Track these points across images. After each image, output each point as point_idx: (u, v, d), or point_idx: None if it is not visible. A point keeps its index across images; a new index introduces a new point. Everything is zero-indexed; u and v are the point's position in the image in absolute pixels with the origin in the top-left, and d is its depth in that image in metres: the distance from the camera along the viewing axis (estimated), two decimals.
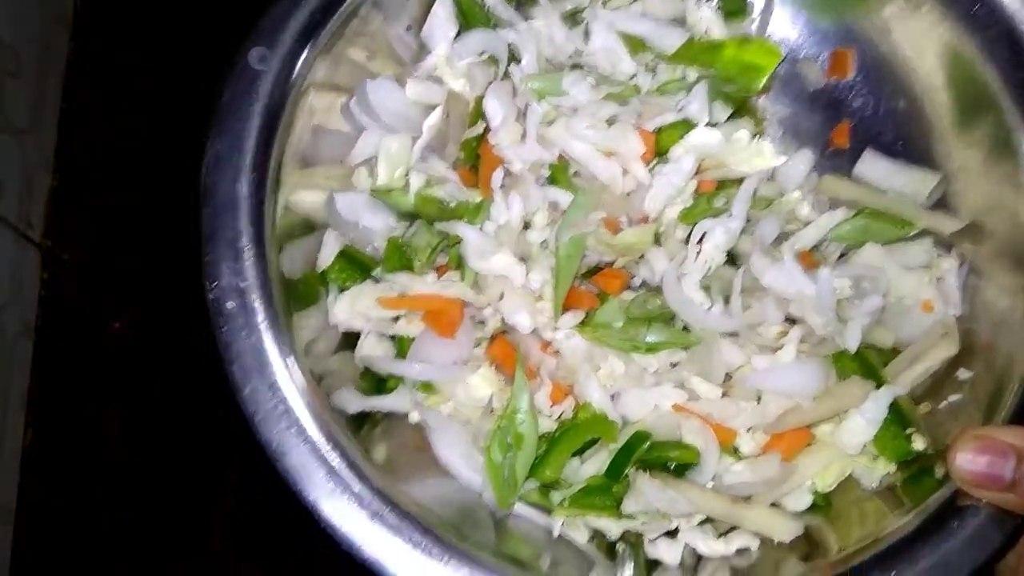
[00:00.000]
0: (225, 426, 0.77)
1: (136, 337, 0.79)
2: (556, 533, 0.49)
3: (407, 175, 0.55)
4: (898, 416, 0.51)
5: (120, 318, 0.80)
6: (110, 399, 0.78)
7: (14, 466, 0.75)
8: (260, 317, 0.44)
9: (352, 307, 0.52)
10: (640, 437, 0.50)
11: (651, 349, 0.51)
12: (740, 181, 0.55)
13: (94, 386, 0.78)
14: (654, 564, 0.50)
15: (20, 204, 0.78)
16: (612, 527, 0.51)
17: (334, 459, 0.42)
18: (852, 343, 0.52)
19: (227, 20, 0.88)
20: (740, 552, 0.50)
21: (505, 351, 0.52)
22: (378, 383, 0.52)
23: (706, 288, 0.52)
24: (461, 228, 0.52)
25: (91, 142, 0.85)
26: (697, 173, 0.55)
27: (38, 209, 0.81)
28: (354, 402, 0.49)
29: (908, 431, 0.51)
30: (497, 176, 0.54)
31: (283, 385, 0.43)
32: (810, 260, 0.56)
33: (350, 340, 0.53)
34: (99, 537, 0.75)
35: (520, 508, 0.50)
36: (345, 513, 0.41)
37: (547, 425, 0.51)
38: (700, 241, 0.53)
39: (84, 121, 0.85)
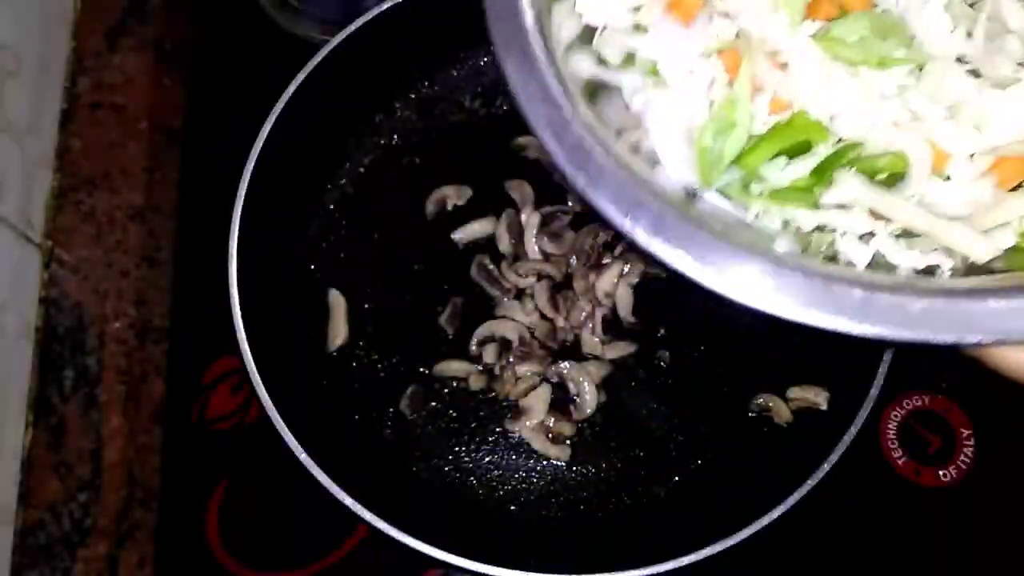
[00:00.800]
0: (226, 426, 0.77)
1: (136, 337, 0.79)
2: (751, 218, 0.50)
3: None
4: None
5: (120, 318, 0.80)
6: (110, 399, 0.78)
7: (14, 466, 0.75)
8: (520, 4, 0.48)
9: None
10: (852, 145, 0.50)
11: (883, 63, 0.51)
12: None
13: (94, 386, 0.79)
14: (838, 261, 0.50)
15: (20, 204, 0.78)
16: (806, 218, 0.51)
17: (571, 118, 0.47)
18: None
19: (226, 21, 0.89)
20: (929, 270, 0.50)
21: (735, 54, 0.53)
22: None
23: (951, 17, 0.51)
24: None
25: (91, 142, 0.85)
26: None
27: (38, 209, 0.82)
28: (587, 66, 0.52)
29: None
30: None
31: (536, 58, 0.48)
32: None
33: (590, 34, 0.55)
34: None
35: (711, 198, 0.51)
36: (577, 156, 0.46)
37: (761, 130, 0.52)
38: None
39: (84, 121, 0.86)
